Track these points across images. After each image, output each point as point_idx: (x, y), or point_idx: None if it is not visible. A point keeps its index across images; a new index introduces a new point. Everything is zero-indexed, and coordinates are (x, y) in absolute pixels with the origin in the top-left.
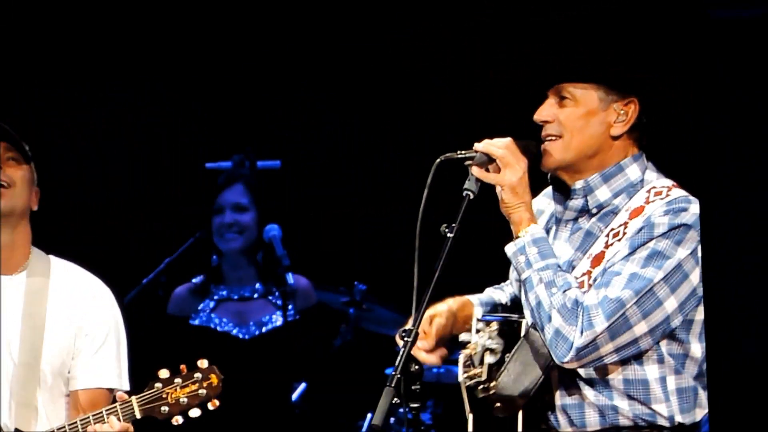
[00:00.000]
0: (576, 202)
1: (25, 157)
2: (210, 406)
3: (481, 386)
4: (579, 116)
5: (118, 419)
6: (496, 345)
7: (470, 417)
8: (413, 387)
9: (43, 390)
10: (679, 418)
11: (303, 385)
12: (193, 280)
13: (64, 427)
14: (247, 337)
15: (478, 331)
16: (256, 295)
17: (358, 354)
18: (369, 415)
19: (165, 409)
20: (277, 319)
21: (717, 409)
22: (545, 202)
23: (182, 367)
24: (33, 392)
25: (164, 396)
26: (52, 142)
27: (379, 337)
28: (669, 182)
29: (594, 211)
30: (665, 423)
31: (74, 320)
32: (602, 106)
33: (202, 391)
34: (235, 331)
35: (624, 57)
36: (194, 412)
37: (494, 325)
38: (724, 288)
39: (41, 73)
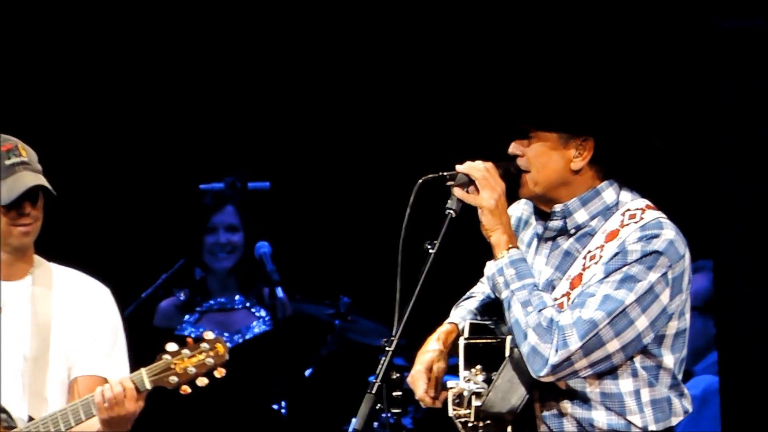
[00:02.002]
0: (555, 223)
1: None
2: (216, 374)
3: (471, 424)
4: (542, 153)
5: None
6: (481, 389)
7: None
8: (395, 393)
9: (51, 381)
10: (653, 427)
11: (308, 371)
12: (178, 295)
13: (66, 408)
14: (230, 345)
15: (465, 378)
16: (237, 306)
17: (342, 362)
18: (353, 421)
19: (174, 378)
20: (257, 327)
21: (730, 418)
22: (527, 210)
23: (189, 339)
24: (43, 383)
25: (172, 366)
26: (49, 161)
27: (362, 347)
28: (643, 203)
29: (572, 231)
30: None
31: (76, 317)
32: (562, 143)
33: (209, 360)
34: None
35: (579, 101)
36: (202, 381)
37: (479, 371)
38: (734, 301)
39: (41, 95)
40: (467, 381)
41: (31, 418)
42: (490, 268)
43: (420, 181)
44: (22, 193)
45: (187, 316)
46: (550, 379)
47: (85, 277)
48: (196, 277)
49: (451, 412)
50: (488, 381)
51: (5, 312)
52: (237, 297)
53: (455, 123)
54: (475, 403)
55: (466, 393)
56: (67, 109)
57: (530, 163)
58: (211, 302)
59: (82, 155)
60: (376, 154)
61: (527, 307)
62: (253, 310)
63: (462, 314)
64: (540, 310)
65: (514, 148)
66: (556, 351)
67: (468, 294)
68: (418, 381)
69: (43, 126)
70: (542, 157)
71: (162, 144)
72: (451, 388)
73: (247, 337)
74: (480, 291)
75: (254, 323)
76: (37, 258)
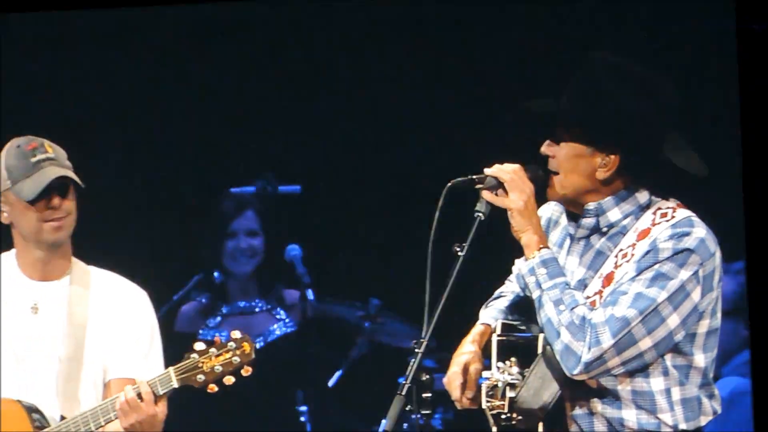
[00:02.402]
0: (588, 221)
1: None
2: (243, 373)
3: (504, 416)
4: (570, 157)
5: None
6: (515, 380)
7: (494, 431)
8: (424, 395)
9: (85, 382)
10: (683, 426)
11: (338, 373)
12: (199, 299)
13: (96, 408)
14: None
15: (499, 368)
16: (258, 309)
17: (372, 364)
18: (383, 422)
19: (201, 377)
20: (278, 330)
21: (763, 420)
22: (557, 211)
23: (216, 338)
24: (76, 385)
25: (200, 365)
26: (80, 164)
27: (392, 349)
28: (674, 202)
29: (604, 230)
30: (669, 430)
31: (112, 319)
32: (588, 152)
33: (236, 359)
34: None
35: (602, 118)
36: (228, 380)
37: (513, 363)
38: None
39: (76, 97)
40: (502, 372)
41: (63, 418)
42: (521, 268)
43: (449, 184)
44: (48, 186)
45: (209, 320)
46: (584, 376)
47: (123, 279)
48: (216, 281)
49: (484, 404)
50: (522, 375)
51: (41, 312)
52: (258, 300)
53: (484, 126)
54: (510, 394)
55: (500, 384)
56: (101, 111)
57: (559, 166)
58: (233, 306)
59: (114, 159)
60: (405, 158)
61: (559, 305)
62: (273, 312)
63: (493, 314)
64: (572, 309)
65: (545, 148)
66: (589, 349)
67: (497, 293)
68: (454, 383)
69: (75, 128)
70: (570, 162)
71: (194, 149)
72: (485, 379)
73: (269, 339)
74: (509, 290)
75: (275, 326)
76: (74, 259)
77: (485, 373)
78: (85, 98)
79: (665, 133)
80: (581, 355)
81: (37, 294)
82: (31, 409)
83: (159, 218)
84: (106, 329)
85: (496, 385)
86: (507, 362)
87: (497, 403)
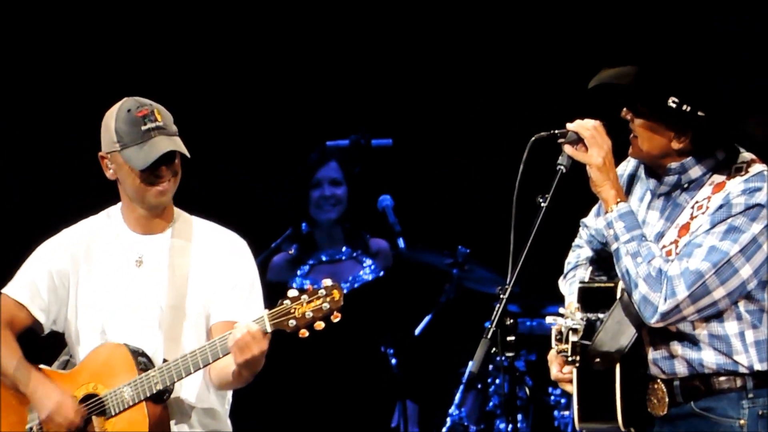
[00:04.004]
0: (671, 179)
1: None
2: (333, 319)
3: (569, 358)
4: (646, 126)
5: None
6: (578, 326)
7: (574, 371)
8: (508, 338)
9: (187, 329)
10: (758, 367)
11: (427, 318)
12: (289, 250)
13: (205, 345)
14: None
15: (564, 315)
16: (345, 257)
17: (460, 309)
18: (470, 363)
19: (293, 322)
20: (365, 276)
21: None
22: (639, 167)
23: (309, 286)
24: (179, 330)
25: (292, 311)
26: (180, 120)
27: (478, 294)
28: (749, 156)
29: (685, 186)
30: (745, 371)
31: (214, 267)
32: (663, 125)
33: (326, 306)
34: None
35: (676, 97)
36: (319, 325)
37: (577, 309)
38: None
39: (172, 57)
40: (566, 318)
41: (165, 361)
42: (600, 222)
43: (533, 138)
44: (158, 159)
45: (298, 270)
46: (660, 325)
47: (224, 229)
48: (303, 231)
49: (553, 345)
50: (589, 321)
51: (145, 265)
52: (344, 248)
53: (568, 82)
54: (572, 338)
55: (564, 329)
56: (198, 72)
57: (637, 132)
58: (320, 255)
59: (215, 116)
60: (491, 114)
61: (636, 258)
62: (360, 259)
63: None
64: (649, 261)
65: (625, 113)
66: (665, 300)
67: (573, 263)
68: (553, 363)
69: (176, 86)
70: (647, 132)
71: (292, 105)
72: (553, 324)
73: (356, 285)
74: (584, 257)
75: (361, 272)
76: (177, 211)
77: (549, 319)
78: (187, 50)
79: (743, 116)
80: (658, 306)
81: (142, 248)
82: (137, 353)
83: (258, 172)
84: (207, 278)
85: (561, 331)
86: (571, 309)
87: (563, 346)
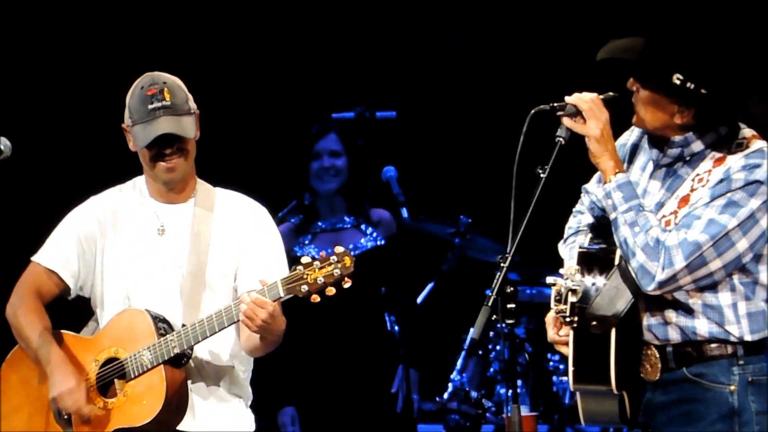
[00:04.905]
0: (674, 151)
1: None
2: (344, 285)
3: (567, 319)
4: (650, 99)
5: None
6: (576, 286)
7: (571, 333)
8: (509, 306)
9: (208, 294)
10: (748, 338)
11: (430, 285)
12: (292, 220)
13: (221, 310)
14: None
15: (563, 276)
16: (347, 225)
17: (461, 277)
18: (471, 330)
19: (305, 288)
20: (366, 243)
21: None
22: (642, 136)
23: (322, 253)
24: (199, 297)
25: (304, 277)
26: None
27: (480, 263)
28: (750, 132)
29: (687, 158)
30: (735, 340)
31: (236, 237)
32: (666, 98)
33: (337, 271)
34: None
35: (681, 71)
36: (330, 291)
37: (577, 270)
38: None
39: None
40: (565, 279)
41: (184, 326)
42: (599, 192)
43: (533, 111)
44: (156, 139)
45: (302, 238)
46: (657, 293)
47: (245, 197)
48: (305, 202)
49: (552, 306)
50: (587, 285)
51: (167, 233)
52: (346, 217)
53: (566, 56)
54: (571, 299)
55: (563, 290)
56: (207, 43)
57: (641, 104)
58: (322, 223)
59: (223, 93)
60: (491, 86)
61: (634, 227)
62: (362, 228)
63: (574, 255)
64: (647, 231)
65: (631, 83)
66: (663, 269)
67: (575, 228)
68: (550, 325)
69: (187, 60)
70: (650, 104)
71: (296, 77)
72: (552, 285)
73: (358, 252)
74: (585, 223)
75: (363, 240)
76: (199, 182)
77: (549, 279)
78: (192, 32)
79: (745, 94)
80: (655, 275)
81: (164, 216)
82: (158, 318)
83: (264, 145)
84: (230, 245)
85: (560, 291)
86: (571, 270)
87: (562, 307)
